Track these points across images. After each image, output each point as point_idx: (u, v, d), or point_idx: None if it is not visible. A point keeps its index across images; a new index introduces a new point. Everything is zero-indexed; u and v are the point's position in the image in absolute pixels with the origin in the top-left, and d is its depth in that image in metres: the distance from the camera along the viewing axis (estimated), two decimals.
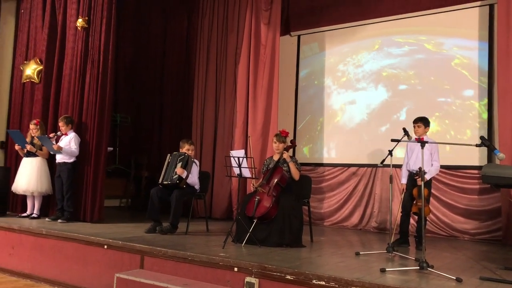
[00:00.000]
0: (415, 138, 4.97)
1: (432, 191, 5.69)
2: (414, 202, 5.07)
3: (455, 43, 6.29)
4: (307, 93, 7.67)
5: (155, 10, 9.35)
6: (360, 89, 6.53)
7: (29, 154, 6.33)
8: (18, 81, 7.45)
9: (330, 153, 6.71)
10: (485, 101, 5.73)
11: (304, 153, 7.50)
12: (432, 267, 3.64)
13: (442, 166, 5.50)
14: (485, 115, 5.56)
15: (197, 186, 5.77)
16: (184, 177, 5.49)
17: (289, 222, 4.71)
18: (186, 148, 5.71)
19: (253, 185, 5.14)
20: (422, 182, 4.03)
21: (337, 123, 6.59)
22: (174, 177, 5.50)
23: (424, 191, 4.10)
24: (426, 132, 5.21)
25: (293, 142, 5.38)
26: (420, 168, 4.55)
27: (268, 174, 5.03)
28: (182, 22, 8.77)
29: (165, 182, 5.55)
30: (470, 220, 6.26)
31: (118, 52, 8.80)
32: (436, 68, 6.08)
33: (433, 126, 5.97)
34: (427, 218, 5.51)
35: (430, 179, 5.20)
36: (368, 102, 6.40)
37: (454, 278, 3.37)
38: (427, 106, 6.06)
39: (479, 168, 6.03)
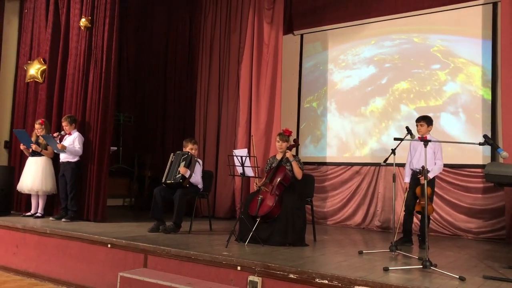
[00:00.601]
0: (418, 137, 4.96)
1: (436, 189, 5.68)
2: (418, 201, 5.07)
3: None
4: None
5: (158, 9, 9.36)
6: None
7: (35, 153, 6.35)
8: (22, 81, 7.47)
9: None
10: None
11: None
12: (436, 266, 3.63)
13: (445, 165, 5.50)
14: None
15: (200, 185, 5.78)
16: (187, 176, 5.50)
17: (292, 221, 4.71)
18: (189, 147, 5.71)
19: (256, 184, 5.15)
20: (425, 180, 4.03)
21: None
22: (177, 176, 5.50)
23: (427, 190, 4.10)
24: (429, 130, 5.20)
25: (296, 141, 5.39)
26: (423, 167, 4.54)
27: (271, 173, 5.03)
28: (185, 22, 8.78)
29: (168, 181, 5.56)
30: (473, 219, 6.25)
31: (121, 52, 8.84)
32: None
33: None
34: (430, 217, 5.50)
35: (434, 178, 5.19)
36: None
37: (458, 277, 3.37)
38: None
39: (482, 166, 6.02)
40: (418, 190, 5.02)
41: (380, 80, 7.36)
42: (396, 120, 7.09)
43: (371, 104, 7.42)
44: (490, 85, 6.41)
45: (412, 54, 7.14)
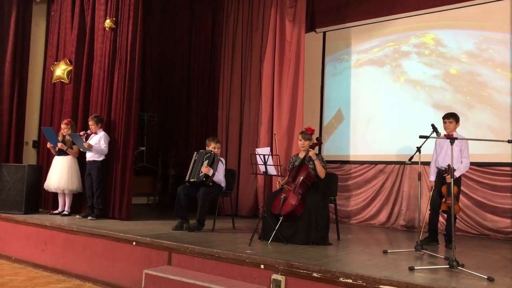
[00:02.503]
0: (444, 135, 4.87)
1: (462, 188, 5.56)
2: (443, 200, 4.97)
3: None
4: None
5: (180, 9, 9.44)
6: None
7: (61, 152, 6.49)
8: (49, 82, 7.64)
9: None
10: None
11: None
12: (463, 266, 3.56)
13: (472, 163, 5.37)
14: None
15: (223, 184, 5.81)
16: (210, 175, 5.52)
17: (315, 220, 4.68)
18: (212, 146, 5.74)
19: (279, 182, 5.13)
20: (452, 179, 3.95)
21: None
22: (200, 174, 5.54)
23: (453, 189, 4.01)
24: (457, 128, 5.09)
25: (318, 139, 5.35)
26: (449, 165, 4.45)
27: (294, 171, 5.01)
28: (207, 20, 8.83)
29: (191, 180, 5.60)
30: (502, 218, 6.09)
31: (144, 52, 8.95)
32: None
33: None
34: (457, 216, 5.39)
35: (460, 177, 5.07)
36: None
37: (486, 277, 3.29)
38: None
39: (511, 165, 5.87)
40: (444, 189, 4.92)
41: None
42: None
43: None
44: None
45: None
